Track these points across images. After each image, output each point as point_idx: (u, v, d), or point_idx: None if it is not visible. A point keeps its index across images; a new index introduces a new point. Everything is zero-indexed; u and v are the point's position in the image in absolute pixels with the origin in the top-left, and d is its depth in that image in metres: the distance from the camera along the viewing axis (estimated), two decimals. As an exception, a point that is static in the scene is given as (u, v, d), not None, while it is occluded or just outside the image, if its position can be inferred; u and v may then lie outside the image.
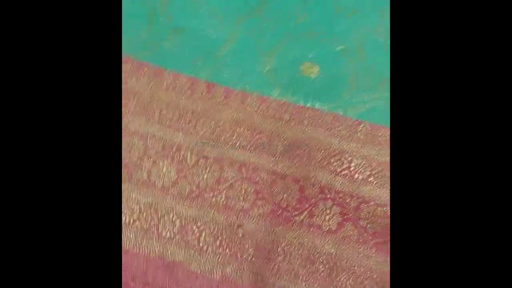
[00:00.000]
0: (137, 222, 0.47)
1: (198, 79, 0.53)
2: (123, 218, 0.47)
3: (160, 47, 0.55)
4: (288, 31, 0.57)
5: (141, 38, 0.55)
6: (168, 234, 0.47)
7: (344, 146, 0.50)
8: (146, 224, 0.47)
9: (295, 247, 0.47)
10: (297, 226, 0.47)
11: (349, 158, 0.49)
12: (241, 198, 0.48)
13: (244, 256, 0.46)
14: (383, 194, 0.48)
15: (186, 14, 0.57)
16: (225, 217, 0.48)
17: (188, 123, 0.51)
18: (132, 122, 0.50)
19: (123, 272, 0.46)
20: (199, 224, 0.47)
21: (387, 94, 0.53)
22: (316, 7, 0.59)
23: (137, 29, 0.56)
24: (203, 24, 0.57)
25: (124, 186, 0.48)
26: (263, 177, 0.49)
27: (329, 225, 0.47)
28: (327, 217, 0.48)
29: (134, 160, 0.49)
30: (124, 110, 0.51)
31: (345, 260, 0.46)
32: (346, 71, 0.54)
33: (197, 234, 0.47)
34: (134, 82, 0.52)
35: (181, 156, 0.49)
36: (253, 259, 0.46)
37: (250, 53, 0.55)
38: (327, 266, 0.46)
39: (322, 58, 0.55)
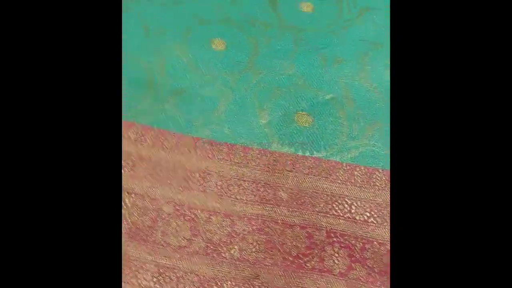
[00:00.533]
0: (157, 285, 0.49)
1: (201, 138, 0.56)
2: (144, 282, 0.49)
3: (162, 110, 0.58)
4: (279, 84, 0.61)
5: (143, 104, 0.58)
6: (188, 292, 0.49)
7: (344, 190, 0.54)
8: (166, 285, 0.49)
9: (309, 292, 0.50)
10: (309, 271, 0.50)
11: (350, 202, 0.53)
12: (254, 250, 0.51)
13: (263, 307, 0.49)
14: (383, 233, 0.52)
15: (183, 77, 0.61)
16: (241, 270, 0.50)
17: (196, 181, 0.54)
18: (142, 186, 0.53)
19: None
20: (217, 279, 0.50)
21: (376, 138, 0.57)
22: (303, 59, 0.63)
23: (139, 95, 0.59)
24: (200, 85, 0.60)
25: (141, 249, 0.51)
26: (273, 227, 0.52)
27: (339, 268, 0.51)
28: (336, 260, 0.51)
29: (147, 223, 0.51)
30: (133, 174, 0.54)
31: (357, 300, 0.50)
32: (337, 118, 0.59)
33: (216, 290, 0.50)
34: (141, 147, 0.55)
35: (193, 214, 0.52)
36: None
37: (247, 108, 0.59)
38: (341, 308, 0.49)
39: (314, 108, 0.59)
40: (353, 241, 0.51)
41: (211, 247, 0.51)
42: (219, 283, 0.49)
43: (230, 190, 0.54)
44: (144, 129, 0.56)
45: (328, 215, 0.52)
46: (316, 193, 0.53)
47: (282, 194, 0.53)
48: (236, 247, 0.51)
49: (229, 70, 0.62)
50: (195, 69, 0.61)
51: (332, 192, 0.54)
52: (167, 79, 0.60)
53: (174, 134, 0.56)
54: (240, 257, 0.51)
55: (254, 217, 0.52)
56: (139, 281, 0.49)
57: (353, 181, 0.54)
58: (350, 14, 0.68)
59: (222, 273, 0.50)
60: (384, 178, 0.54)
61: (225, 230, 0.52)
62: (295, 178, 0.54)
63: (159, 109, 0.58)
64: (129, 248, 0.50)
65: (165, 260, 0.50)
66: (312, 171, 0.55)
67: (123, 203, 0.52)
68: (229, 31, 0.66)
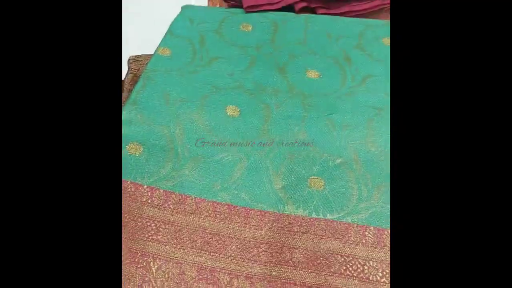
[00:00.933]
0: None
1: (219, 202, 0.60)
2: None
3: (182, 176, 0.62)
4: (291, 149, 0.65)
5: (165, 169, 0.62)
6: None
7: (356, 251, 0.57)
8: None
9: None
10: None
11: (362, 262, 0.56)
12: (274, 312, 0.54)
13: None
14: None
15: (201, 143, 0.65)
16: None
17: (216, 244, 0.57)
18: (166, 250, 0.56)
19: None
20: None
21: (384, 199, 0.61)
22: (312, 124, 0.68)
23: (161, 161, 0.62)
24: (217, 151, 0.64)
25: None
26: (291, 289, 0.55)
27: (356, 329, 0.53)
28: (353, 321, 0.53)
29: (172, 287, 0.54)
30: (157, 239, 0.57)
31: None
32: (347, 181, 0.62)
33: None
34: (164, 211, 0.58)
35: (215, 277, 0.55)
36: None
37: (262, 173, 0.63)
38: None
39: (325, 172, 0.63)
40: (367, 302, 0.54)
41: (233, 310, 0.53)
42: None
43: (249, 253, 0.57)
44: (166, 194, 0.60)
45: (343, 276, 0.55)
46: (331, 254, 0.57)
47: (299, 256, 0.56)
48: (256, 309, 0.54)
49: (244, 135, 0.66)
50: (211, 135, 0.65)
51: (346, 253, 0.57)
52: (186, 145, 0.64)
53: (194, 199, 0.60)
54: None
55: (274, 279, 0.55)
56: None
57: (364, 241, 0.58)
58: (354, 81, 0.73)
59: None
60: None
61: None
62: (310, 240, 0.57)
63: (179, 175, 0.62)
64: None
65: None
66: (325, 233, 0.58)
67: (147, 268, 0.55)
68: (242, 98, 0.70)
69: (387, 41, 0.79)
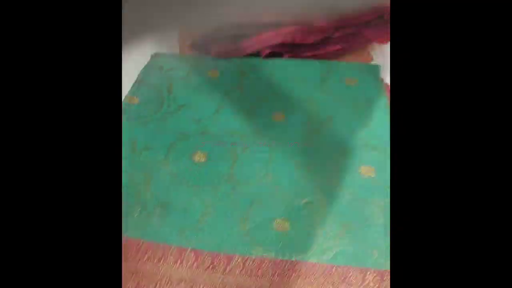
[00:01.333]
0: None
1: (186, 248, 0.60)
2: None
3: (148, 223, 0.62)
4: (257, 192, 0.66)
5: (131, 217, 0.62)
6: None
7: (323, 291, 0.57)
8: None
9: None
10: None
11: (329, 302, 0.57)
12: None
13: None
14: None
15: (168, 190, 0.66)
16: None
17: (183, 292, 0.57)
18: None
19: None
20: None
21: (348, 238, 0.62)
22: (278, 167, 0.69)
23: (127, 210, 0.63)
24: (183, 197, 0.65)
25: None
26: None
27: None
28: None
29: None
30: (123, 288, 0.57)
31: None
32: (312, 221, 0.63)
33: None
34: (130, 262, 0.59)
35: (181, 325, 0.55)
36: None
37: (228, 218, 0.63)
38: None
39: (290, 213, 0.64)
40: None
41: None
42: None
43: (216, 298, 0.57)
44: (133, 242, 0.60)
45: (310, 317, 0.56)
46: None
47: None
48: None
49: (210, 181, 0.67)
50: (178, 182, 0.66)
51: None
52: (152, 193, 0.65)
53: (160, 245, 0.60)
54: None
55: None
56: None
57: (330, 280, 0.58)
58: (317, 123, 0.75)
59: None
60: (358, 276, 0.58)
61: None
62: (277, 282, 0.58)
63: (146, 222, 0.62)
64: None
65: None
66: (292, 274, 0.58)
67: None
68: (209, 143, 0.72)
69: (348, 81, 0.82)
